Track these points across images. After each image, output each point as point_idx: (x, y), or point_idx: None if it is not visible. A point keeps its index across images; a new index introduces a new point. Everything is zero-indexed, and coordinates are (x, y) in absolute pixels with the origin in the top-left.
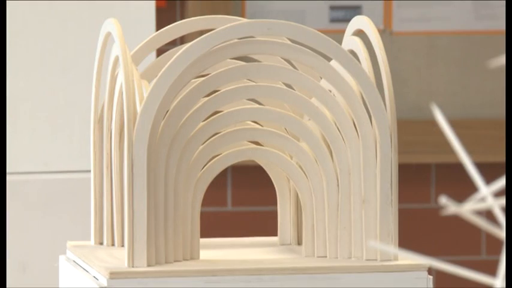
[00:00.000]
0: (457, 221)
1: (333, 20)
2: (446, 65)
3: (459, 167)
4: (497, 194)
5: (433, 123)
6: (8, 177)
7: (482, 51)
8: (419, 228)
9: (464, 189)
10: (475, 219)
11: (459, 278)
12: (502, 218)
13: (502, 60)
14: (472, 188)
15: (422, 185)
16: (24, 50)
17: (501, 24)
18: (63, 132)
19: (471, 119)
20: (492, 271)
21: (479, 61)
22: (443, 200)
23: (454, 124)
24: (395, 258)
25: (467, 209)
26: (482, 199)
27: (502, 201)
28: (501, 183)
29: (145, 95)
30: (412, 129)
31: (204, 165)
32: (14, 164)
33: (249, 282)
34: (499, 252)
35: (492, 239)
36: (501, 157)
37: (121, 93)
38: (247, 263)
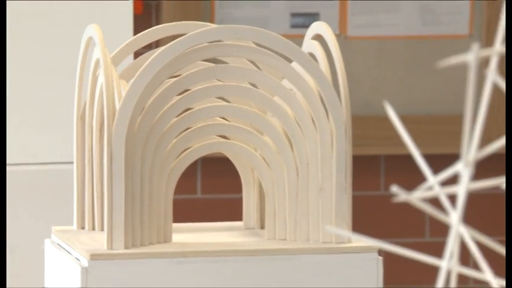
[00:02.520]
0: (404, 206)
1: (294, 26)
2: (394, 66)
3: (405, 158)
4: (443, 183)
5: (382, 119)
6: None
7: (427, 54)
8: (370, 214)
9: (410, 178)
10: (424, 206)
11: (406, 258)
12: (447, 204)
13: (447, 62)
14: (416, 178)
15: (372, 174)
16: (15, 51)
17: (445, 30)
18: (49, 127)
19: (416, 115)
20: (435, 252)
21: (424, 63)
22: (394, 188)
23: (400, 119)
24: (349, 241)
25: (416, 197)
26: (430, 187)
27: (448, 189)
28: (447, 173)
29: (123, 94)
30: (364, 124)
31: (177, 157)
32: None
33: (216, 262)
34: (441, 235)
35: (435, 223)
36: (442, 149)
37: (101, 92)
38: (215, 245)
